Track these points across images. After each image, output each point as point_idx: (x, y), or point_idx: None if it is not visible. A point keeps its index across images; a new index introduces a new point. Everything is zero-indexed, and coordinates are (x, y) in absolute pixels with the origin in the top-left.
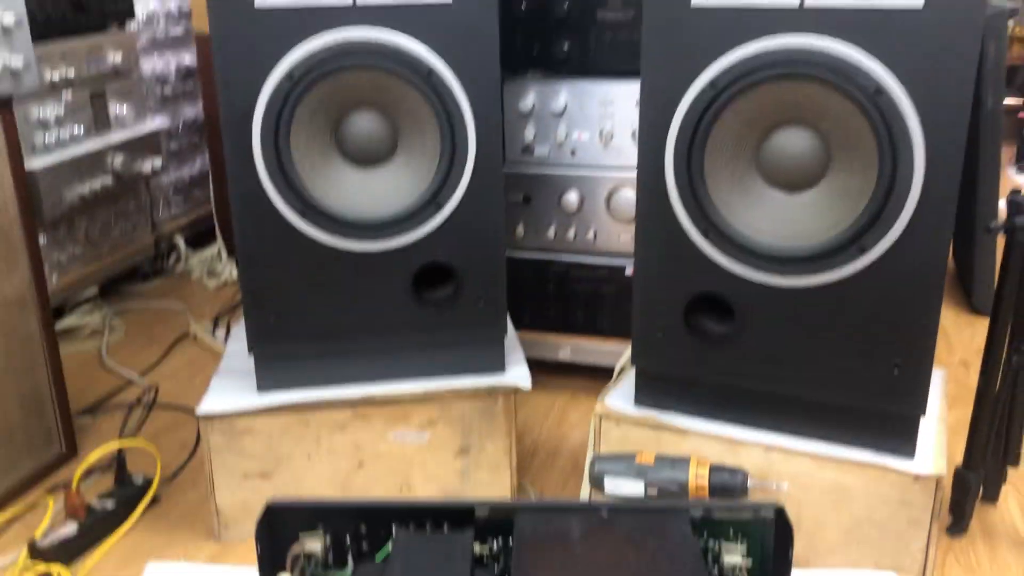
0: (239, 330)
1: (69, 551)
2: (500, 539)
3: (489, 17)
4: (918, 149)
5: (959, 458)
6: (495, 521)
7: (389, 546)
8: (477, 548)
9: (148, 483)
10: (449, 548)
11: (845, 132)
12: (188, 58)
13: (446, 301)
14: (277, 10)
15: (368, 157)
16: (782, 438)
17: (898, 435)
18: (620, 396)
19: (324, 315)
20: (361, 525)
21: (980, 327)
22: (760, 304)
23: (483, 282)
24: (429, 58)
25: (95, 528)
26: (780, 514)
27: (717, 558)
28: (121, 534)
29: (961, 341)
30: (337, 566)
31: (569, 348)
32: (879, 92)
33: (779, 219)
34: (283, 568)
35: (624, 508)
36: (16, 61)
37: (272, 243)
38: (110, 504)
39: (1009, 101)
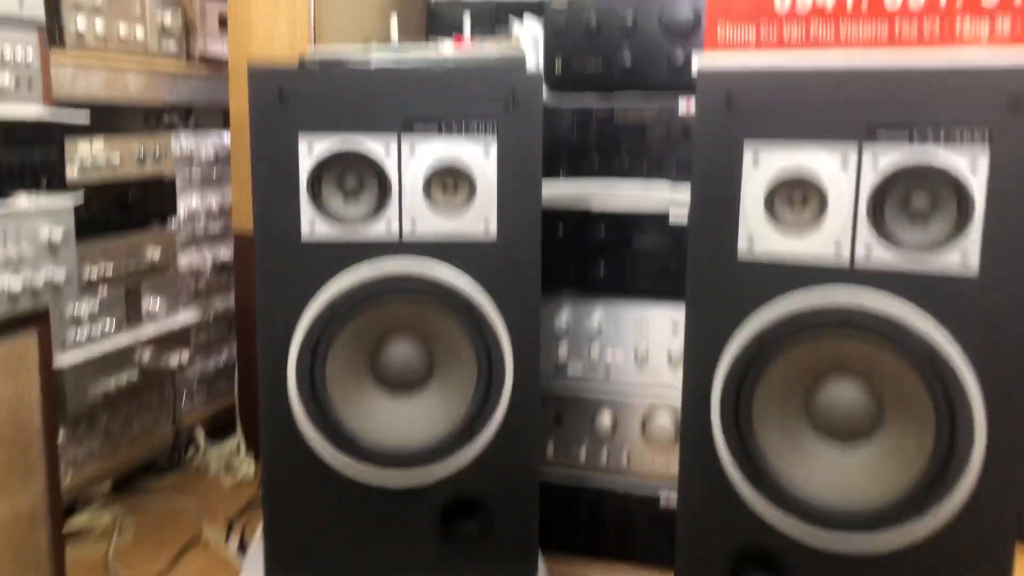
0: (256, 550)
1: None
2: None
3: (532, 253)
4: (979, 416)
5: None
6: None
7: None
8: None
9: None
10: None
11: (899, 390)
12: (224, 252)
13: (474, 538)
14: (323, 237)
15: (403, 384)
16: None
17: None
18: None
19: (347, 552)
20: None
21: None
22: (811, 565)
23: (514, 518)
24: (469, 291)
25: None
26: None
27: None
28: None
29: None
30: None
31: None
32: (935, 355)
33: (832, 474)
34: None
35: None
36: (59, 275)
37: (299, 473)
38: None
39: None
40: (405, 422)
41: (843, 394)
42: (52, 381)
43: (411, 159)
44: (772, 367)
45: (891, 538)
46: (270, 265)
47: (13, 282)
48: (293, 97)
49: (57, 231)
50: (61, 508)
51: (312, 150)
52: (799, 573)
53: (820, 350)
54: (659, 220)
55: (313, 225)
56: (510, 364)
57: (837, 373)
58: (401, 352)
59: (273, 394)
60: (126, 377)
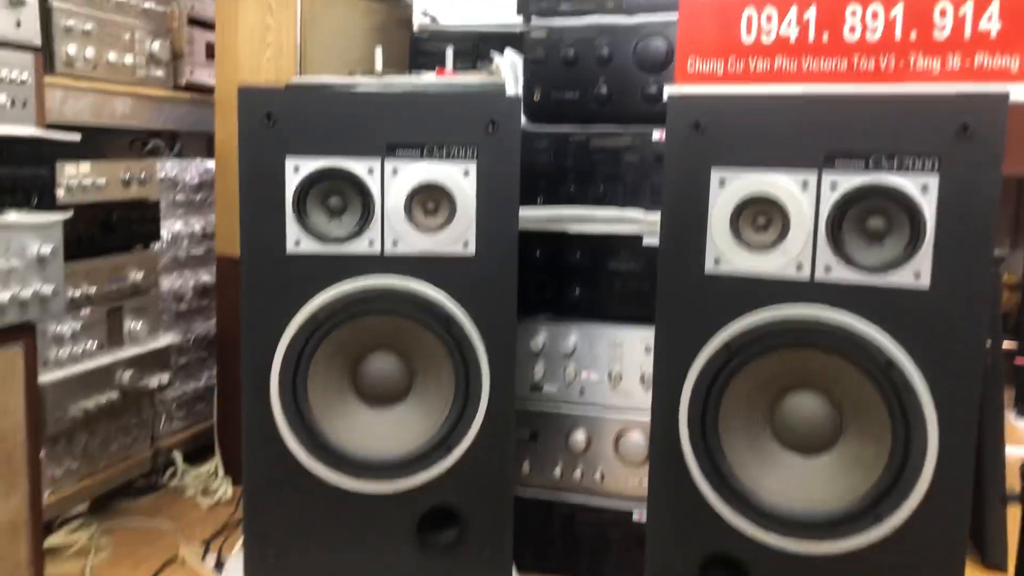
0: (235, 564)
1: None
2: None
3: (509, 269)
4: (931, 422)
5: None
6: None
7: None
8: None
9: None
10: None
11: (857, 400)
12: (206, 276)
13: (450, 546)
14: (307, 254)
15: (383, 397)
16: None
17: None
18: None
19: (325, 557)
20: None
21: None
22: (775, 569)
23: (489, 527)
24: (449, 306)
25: None
26: None
27: None
28: None
29: None
30: None
31: None
32: (890, 366)
33: (794, 482)
34: None
35: None
36: (47, 289)
37: (280, 481)
38: None
39: (1005, 346)
40: (384, 433)
41: (804, 405)
42: (37, 394)
43: (394, 180)
44: (737, 380)
45: (851, 541)
46: (256, 278)
47: (1, 295)
48: (281, 118)
49: (46, 247)
50: (41, 520)
51: (298, 169)
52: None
53: (783, 364)
54: (633, 245)
55: (298, 242)
56: (487, 378)
57: (800, 387)
58: (381, 366)
59: (256, 403)
60: (106, 397)
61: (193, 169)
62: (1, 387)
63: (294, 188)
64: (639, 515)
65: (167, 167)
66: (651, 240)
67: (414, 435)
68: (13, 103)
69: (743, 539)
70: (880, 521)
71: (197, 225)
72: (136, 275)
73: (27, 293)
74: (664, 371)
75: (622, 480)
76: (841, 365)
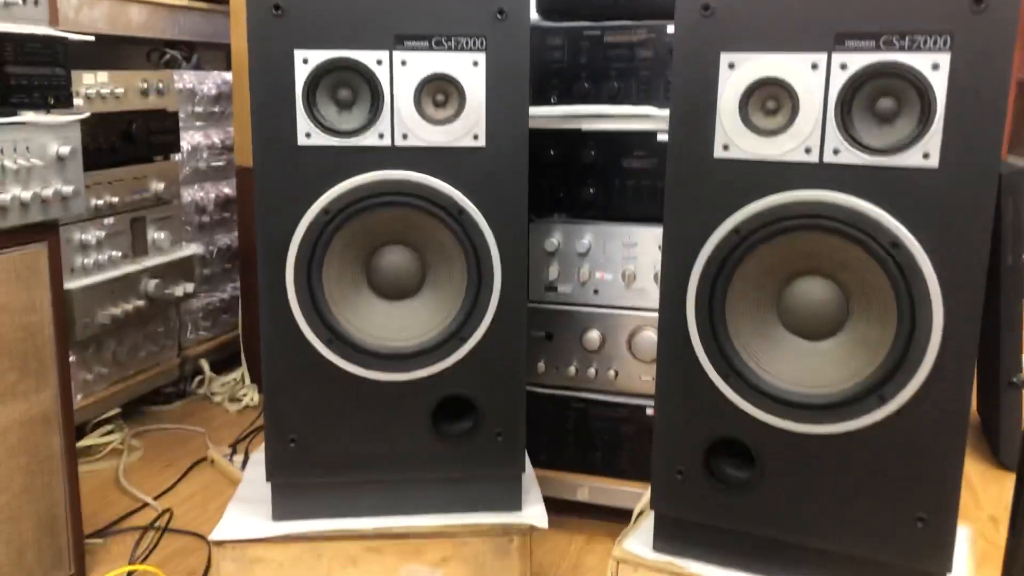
0: (258, 456)
1: None
2: None
3: (519, 160)
4: (936, 302)
5: None
6: None
7: None
8: None
9: None
10: None
11: (864, 284)
12: (227, 188)
13: (464, 435)
14: (318, 148)
15: (396, 291)
16: None
17: None
18: (638, 540)
19: (343, 444)
20: None
21: (1008, 482)
22: (780, 451)
23: (502, 416)
24: (460, 198)
25: None
26: None
27: None
28: None
29: (989, 497)
30: None
31: (587, 489)
32: (896, 246)
33: (800, 366)
34: None
35: None
36: (67, 188)
37: (298, 371)
38: None
39: None
40: (399, 324)
41: (811, 290)
42: (62, 291)
43: (402, 71)
44: (745, 265)
45: (855, 422)
46: (267, 172)
47: (23, 193)
48: (289, 9)
49: (65, 147)
50: (73, 416)
51: (307, 61)
52: (769, 459)
53: (791, 248)
54: (648, 142)
55: (308, 135)
56: (498, 269)
57: (807, 271)
58: (394, 259)
59: (272, 295)
60: (132, 305)
61: (211, 81)
62: (28, 284)
63: (303, 80)
64: (652, 412)
65: (185, 78)
66: (665, 136)
67: (428, 326)
68: (26, 0)
69: (749, 422)
70: (884, 402)
71: (216, 137)
72: (157, 186)
73: (48, 192)
74: (672, 259)
75: (636, 377)
76: (848, 248)
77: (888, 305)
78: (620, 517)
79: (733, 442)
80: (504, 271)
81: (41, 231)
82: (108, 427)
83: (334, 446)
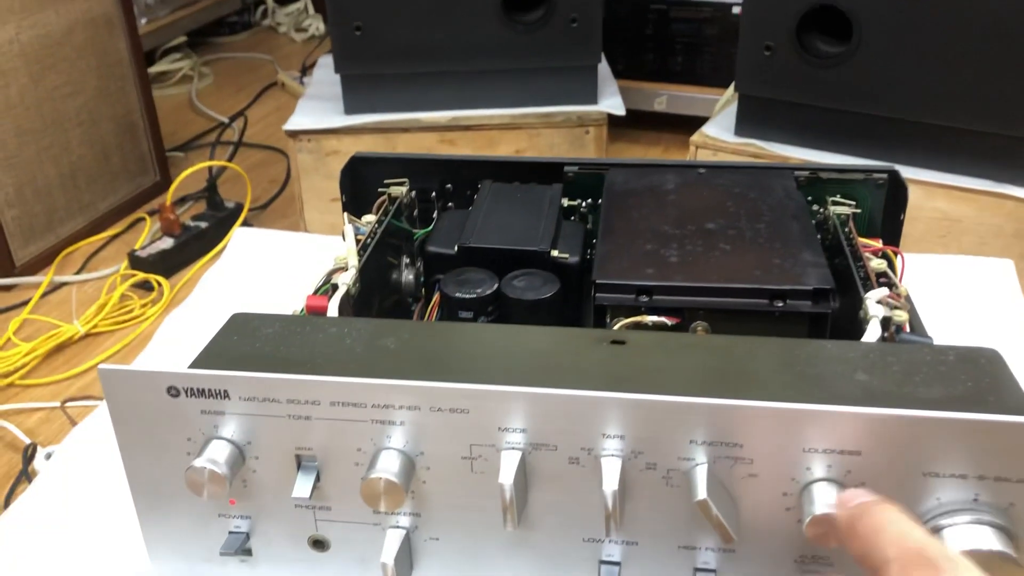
0: (326, 59)
1: (166, 264)
2: (590, 200)
3: None
4: None
5: None
6: (585, 182)
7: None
8: (566, 202)
9: (239, 208)
10: (538, 196)
11: None
12: None
13: (538, 22)
14: None
15: None
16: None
17: (1022, 162)
18: (720, 126)
19: (411, 32)
20: (447, 183)
21: None
22: (881, 16)
23: (577, 1)
24: None
25: (190, 245)
26: (894, 177)
27: (822, 211)
28: (214, 253)
29: None
30: (423, 224)
31: (665, 98)
32: None
33: None
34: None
35: (723, 165)
36: None
37: None
38: (204, 224)
39: None
40: None
41: None
42: None
43: None
44: None
45: None
46: None
47: None
48: None
49: None
50: (135, 20)
51: None
52: (866, 25)
53: None
54: None
55: None
56: None
57: None
58: None
59: None
60: None
61: None
62: None
63: None
64: (739, 9)
65: None
66: None
67: None
68: None
69: None
70: None
71: None
72: None
73: None
74: None
75: None
76: None
77: None
78: (699, 128)
79: (828, 11)
80: None
81: None
82: (176, 55)
83: (401, 33)
